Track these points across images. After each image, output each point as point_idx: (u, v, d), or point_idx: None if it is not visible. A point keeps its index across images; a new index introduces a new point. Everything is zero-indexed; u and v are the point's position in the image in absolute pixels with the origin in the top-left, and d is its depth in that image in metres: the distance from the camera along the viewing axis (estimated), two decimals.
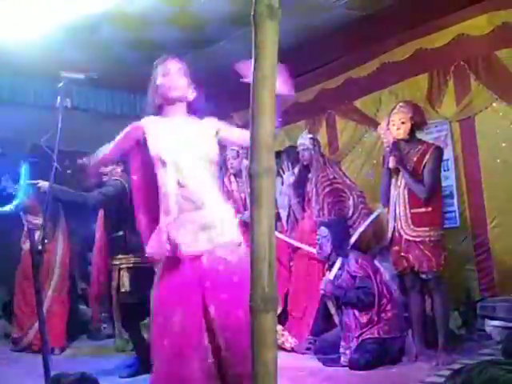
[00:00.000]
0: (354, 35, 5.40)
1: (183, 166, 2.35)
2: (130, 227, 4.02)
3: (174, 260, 2.27)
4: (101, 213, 4.32)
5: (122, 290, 3.97)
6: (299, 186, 4.65)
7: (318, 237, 4.12)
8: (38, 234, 3.96)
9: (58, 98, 2.61)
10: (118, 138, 2.49)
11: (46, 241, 2.48)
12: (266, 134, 1.33)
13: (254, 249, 1.32)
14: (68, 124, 5.31)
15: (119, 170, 4.18)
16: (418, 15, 5.03)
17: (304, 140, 4.69)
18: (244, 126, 2.51)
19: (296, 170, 4.77)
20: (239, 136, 2.52)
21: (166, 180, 2.35)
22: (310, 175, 4.62)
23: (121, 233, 4.06)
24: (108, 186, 4.10)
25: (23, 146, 4.97)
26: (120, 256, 4.04)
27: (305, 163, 4.63)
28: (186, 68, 2.51)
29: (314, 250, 4.27)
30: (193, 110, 2.50)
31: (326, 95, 5.92)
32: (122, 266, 4.02)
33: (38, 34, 4.26)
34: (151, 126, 2.44)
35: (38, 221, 4.68)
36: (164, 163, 2.35)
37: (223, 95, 5.91)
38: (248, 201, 4.96)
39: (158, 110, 2.48)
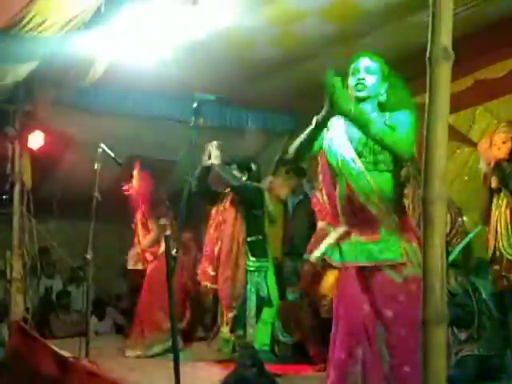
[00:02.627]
0: None
1: (349, 172, 2.39)
2: (265, 232, 4.38)
3: (345, 270, 2.41)
4: (235, 216, 4.34)
5: (261, 295, 4.23)
6: None
7: None
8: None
9: (193, 117, 2.82)
10: None
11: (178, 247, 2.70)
12: (439, 164, 1.47)
13: (428, 267, 1.46)
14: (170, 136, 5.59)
15: (244, 179, 4.39)
16: None
17: None
18: None
19: None
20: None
21: (337, 187, 2.44)
22: (405, 190, 4.67)
23: (260, 237, 4.30)
24: (249, 186, 4.35)
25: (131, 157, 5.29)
26: (261, 259, 4.28)
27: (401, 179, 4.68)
28: (378, 66, 2.50)
29: None
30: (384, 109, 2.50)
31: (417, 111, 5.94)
32: (261, 269, 4.26)
33: (150, 53, 4.50)
34: (333, 127, 2.50)
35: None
36: (331, 167, 2.45)
37: (311, 106, 6.09)
38: None
39: None
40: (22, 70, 4.36)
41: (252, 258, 4.26)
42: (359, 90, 2.48)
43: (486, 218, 4.09)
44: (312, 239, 5.06)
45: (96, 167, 3.95)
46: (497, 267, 3.90)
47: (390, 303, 2.31)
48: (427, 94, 1.50)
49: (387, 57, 4.98)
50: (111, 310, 7.25)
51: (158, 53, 4.31)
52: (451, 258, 4.19)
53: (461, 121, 5.57)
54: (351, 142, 2.45)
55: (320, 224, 5.09)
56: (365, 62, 2.52)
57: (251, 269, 4.25)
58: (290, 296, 4.90)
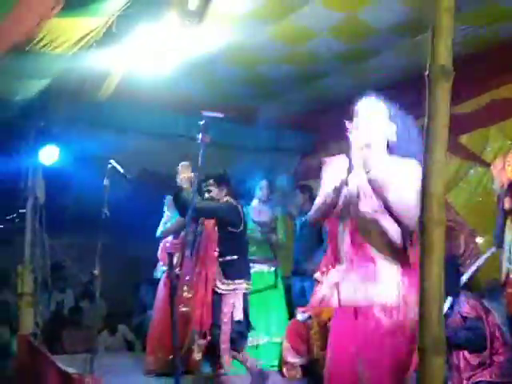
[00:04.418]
0: (463, 70, 5.34)
1: (354, 215, 2.32)
2: (244, 252, 4.17)
3: (341, 309, 2.35)
4: (212, 235, 4.13)
5: (236, 318, 3.92)
6: None
7: None
8: (176, 258, 3.89)
9: (200, 134, 2.81)
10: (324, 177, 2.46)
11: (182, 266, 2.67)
12: (437, 187, 1.42)
13: (425, 293, 1.41)
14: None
15: (223, 193, 4.17)
16: None
17: None
18: None
19: None
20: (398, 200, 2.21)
21: (340, 226, 2.38)
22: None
23: (235, 257, 4.03)
24: (221, 204, 4.12)
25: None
26: (235, 281, 3.99)
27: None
28: (382, 109, 2.37)
29: None
30: (393, 151, 2.37)
31: None
32: (237, 292, 3.97)
33: (161, 71, 4.51)
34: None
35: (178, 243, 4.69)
36: (336, 208, 2.36)
37: (324, 124, 6.08)
38: None
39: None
40: (36, 87, 4.42)
41: (224, 280, 3.97)
42: (355, 138, 2.31)
43: (500, 240, 4.00)
44: (323, 259, 5.01)
45: (105, 183, 3.95)
46: (510, 290, 3.80)
47: (372, 345, 2.23)
48: (426, 113, 1.47)
49: (397, 76, 5.00)
50: (123, 326, 7.21)
51: (167, 70, 4.33)
52: (464, 280, 4.11)
53: (474, 141, 5.48)
54: (360, 184, 2.35)
55: None
56: (364, 107, 2.37)
57: (223, 292, 3.96)
58: (300, 316, 4.83)
